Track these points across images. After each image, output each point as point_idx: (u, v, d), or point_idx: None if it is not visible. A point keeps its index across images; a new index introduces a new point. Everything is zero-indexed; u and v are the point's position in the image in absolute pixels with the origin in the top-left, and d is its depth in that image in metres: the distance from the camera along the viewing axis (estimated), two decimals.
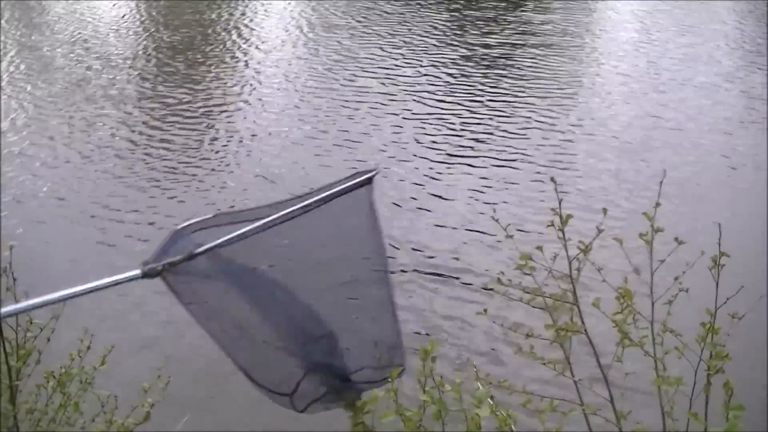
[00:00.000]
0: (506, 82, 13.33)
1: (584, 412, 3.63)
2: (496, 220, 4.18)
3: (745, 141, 10.68)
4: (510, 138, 11.08)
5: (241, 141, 11.60)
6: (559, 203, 3.35)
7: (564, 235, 3.40)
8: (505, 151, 10.64)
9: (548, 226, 3.48)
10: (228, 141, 11.60)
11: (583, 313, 3.59)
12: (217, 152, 11.22)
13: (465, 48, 15.61)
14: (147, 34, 17.84)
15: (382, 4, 19.42)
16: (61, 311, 3.70)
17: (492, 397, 3.34)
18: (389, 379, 2.97)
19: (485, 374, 3.62)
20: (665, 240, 3.60)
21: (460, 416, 3.27)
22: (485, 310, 3.80)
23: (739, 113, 11.83)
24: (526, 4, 19.23)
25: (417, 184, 9.82)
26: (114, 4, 20.64)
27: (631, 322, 3.65)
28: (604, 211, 3.56)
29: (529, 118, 11.79)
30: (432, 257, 8.27)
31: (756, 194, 9.29)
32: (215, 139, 11.69)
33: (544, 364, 3.63)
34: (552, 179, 3.41)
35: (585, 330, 3.57)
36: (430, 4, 19.66)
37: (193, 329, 2.60)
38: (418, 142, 11.09)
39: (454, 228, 8.82)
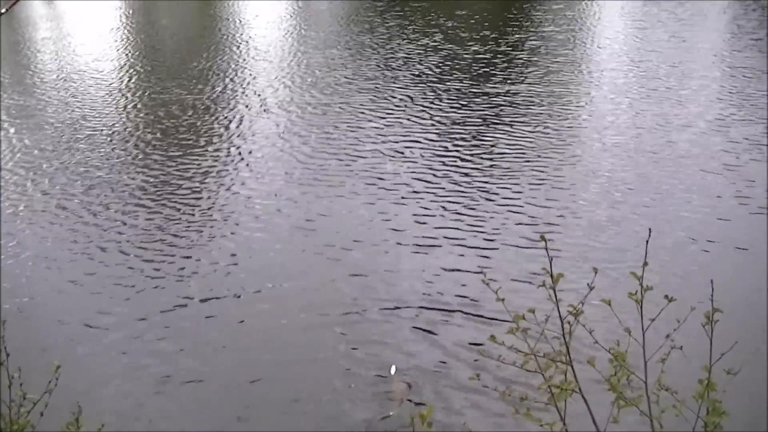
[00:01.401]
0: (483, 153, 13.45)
1: None
2: (487, 284, 4.19)
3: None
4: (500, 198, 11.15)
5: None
6: (550, 262, 3.37)
7: (555, 294, 3.40)
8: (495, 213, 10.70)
9: (539, 286, 3.49)
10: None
11: (578, 371, 3.58)
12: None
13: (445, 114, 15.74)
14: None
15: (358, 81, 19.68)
16: (54, 386, 3.65)
17: None
18: None
19: None
20: (657, 300, 3.61)
21: None
22: (477, 375, 3.77)
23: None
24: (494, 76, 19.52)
25: (402, 243, 9.83)
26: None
27: (626, 383, 3.65)
28: (595, 270, 3.57)
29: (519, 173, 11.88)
30: (422, 314, 8.26)
31: (748, 251, 9.35)
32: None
33: (541, 425, 3.61)
34: (542, 237, 3.42)
35: (579, 389, 3.56)
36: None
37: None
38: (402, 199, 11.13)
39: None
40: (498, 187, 11.47)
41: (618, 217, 10.29)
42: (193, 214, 11.18)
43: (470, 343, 7.51)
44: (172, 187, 12.20)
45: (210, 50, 22.45)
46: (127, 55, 23.24)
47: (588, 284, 3.42)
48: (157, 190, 12.11)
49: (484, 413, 6.43)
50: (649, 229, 3.81)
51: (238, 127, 15.16)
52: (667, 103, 15.31)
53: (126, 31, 26.95)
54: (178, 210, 11.35)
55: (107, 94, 18.39)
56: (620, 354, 3.62)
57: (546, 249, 3.34)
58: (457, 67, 18.37)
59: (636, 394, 3.63)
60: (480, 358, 6.93)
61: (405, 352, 7.68)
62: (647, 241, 3.75)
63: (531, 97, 16.01)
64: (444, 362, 7.36)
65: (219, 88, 18.07)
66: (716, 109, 14.80)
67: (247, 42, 23.55)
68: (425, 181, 11.85)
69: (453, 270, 9.25)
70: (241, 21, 27.68)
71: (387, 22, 24.05)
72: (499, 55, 19.54)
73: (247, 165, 13.09)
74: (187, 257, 9.93)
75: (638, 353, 3.63)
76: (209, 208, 11.39)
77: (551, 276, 3.42)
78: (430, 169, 12.37)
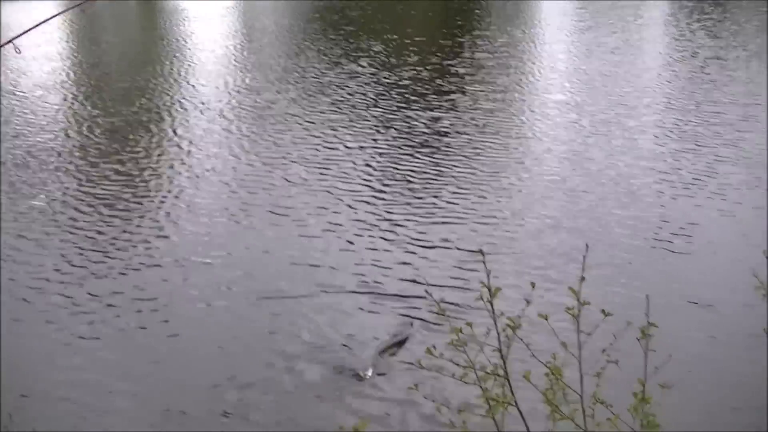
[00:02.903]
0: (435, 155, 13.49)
1: None
2: (430, 295, 4.21)
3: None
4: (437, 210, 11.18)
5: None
6: (488, 276, 3.38)
7: (493, 308, 3.42)
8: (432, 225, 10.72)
9: (477, 299, 3.51)
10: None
11: (516, 386, 3.60)
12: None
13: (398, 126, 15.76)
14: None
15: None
16: None
17: None
18: None
19: None
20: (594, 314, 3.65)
21: None
22: (416, 386, 3.77)
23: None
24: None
25: (358, 265, 9.75)
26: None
27: (562, 397, 3.68)
28: (532, 285, 3.59)
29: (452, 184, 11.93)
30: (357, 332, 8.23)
31: (686, 260, 9.53)
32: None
33: None
34: (480, 251, 3.44)
35: (515, 402, 3.57)
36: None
37: None
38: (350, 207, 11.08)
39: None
40: (428, 206, 11.48)
41: (555, 232, 10.39)
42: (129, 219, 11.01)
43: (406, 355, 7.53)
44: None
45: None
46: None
47: (525, 299, 3.44)
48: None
49: (421, 425, 6.45)
50: (586, 245, 3.85)
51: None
52: (610, 114, 15.56)
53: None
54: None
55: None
56: (556, 369, 3.65)
57: (484, 263, 3.35)
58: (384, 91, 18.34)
59: (573, 407, 3.66)
60: (417, 370, 6.96)
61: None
62: (584, 257, 3.78)
63: (463, 120, 16.12)
64: (382, 374, 7.34)
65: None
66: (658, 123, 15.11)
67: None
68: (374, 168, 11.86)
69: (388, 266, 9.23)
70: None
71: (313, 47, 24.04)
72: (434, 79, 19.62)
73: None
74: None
75: (576, 367, 3.67)
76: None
77: (489, 290, 3.43)
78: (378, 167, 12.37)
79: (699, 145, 13.82)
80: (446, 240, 10.10)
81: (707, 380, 7.03)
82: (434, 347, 3.61)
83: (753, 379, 6.96)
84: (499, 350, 3.47)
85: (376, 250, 9.91)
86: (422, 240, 10.15)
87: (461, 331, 3.43)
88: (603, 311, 3.64)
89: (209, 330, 8.28)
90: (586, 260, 3.78)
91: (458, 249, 9.81)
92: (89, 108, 17.06)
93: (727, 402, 6.83)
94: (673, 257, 9.67)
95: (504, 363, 3.52)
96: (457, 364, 3.51)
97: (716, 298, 8.57)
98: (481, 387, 3.62)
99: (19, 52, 3.38)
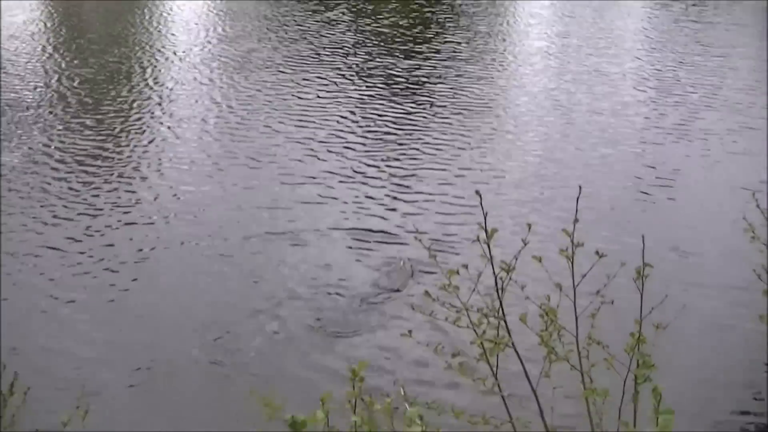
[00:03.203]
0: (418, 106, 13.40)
1: (513, 428, 3.62)
2: (419, 240, 4.18)
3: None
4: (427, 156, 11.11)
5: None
6: (485, 217, 3.34)
7: (490, 248, 3.39)
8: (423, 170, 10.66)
9: (474, 241, 3.48)
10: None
11: (510, 328, 3.60)
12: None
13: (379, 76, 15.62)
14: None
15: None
16: None
17: (421, 417, 3.30)
18: None
19: (413, 397, 3.56)
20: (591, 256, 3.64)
21: None
22: (410, 332, 3.75)
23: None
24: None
25: (342, 212, 9.69)
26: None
27: (557, 338, 3.68)
28: (529, 226, 3.56)
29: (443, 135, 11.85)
30: (352, 280, 8.20)
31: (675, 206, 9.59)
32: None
33: (474, 380, 3.61)
34: (477, 192, 3.39)
35: (513, 343, 3.57)
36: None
37: None
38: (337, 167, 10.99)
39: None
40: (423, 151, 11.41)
41: (550, 174, 10.37)
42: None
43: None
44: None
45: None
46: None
47: (522, 239, 3.41)
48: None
49: (417, 371, 6.48)
50: (579, 186, 3.81)
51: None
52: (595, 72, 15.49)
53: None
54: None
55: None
56: (551, 310, 3.64)
57: (481, 205, 3.31)
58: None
59: (568, 349, 3.66)
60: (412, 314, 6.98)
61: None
62: (578, 198, 3.76)
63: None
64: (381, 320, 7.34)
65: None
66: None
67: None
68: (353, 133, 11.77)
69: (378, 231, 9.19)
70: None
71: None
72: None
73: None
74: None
75: (571, 309, 3.67)
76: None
77: (486, 231, 3.40)
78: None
79: (680, 93, 13.85)
80: (427, 189, 10.06)
81: (696, 326, 7.08)
82: (427, 292, 3.59)
83: (741, 322, 7.04)
84: (497, 291, 3.45)
85: (358, 196, 9.87)
86: (404, 187, 10.12)
87: (458, 273, 3.40)
88: (597, 252, 3.62)
89: (192, 277, 8.24)
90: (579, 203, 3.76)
91: (442, 195, 9.79)
92: (66, 59, 16.76)
93: (717, 345, 6.90)
94: (657, 204, 9.69)
95: (501, 304, 3.51)
96: (454, 306, 3.49)
97: (701, 244, 8.63)
98: (475, 331, 3.61)
99: None
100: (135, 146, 11.73)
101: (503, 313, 3.53)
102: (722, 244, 8.47)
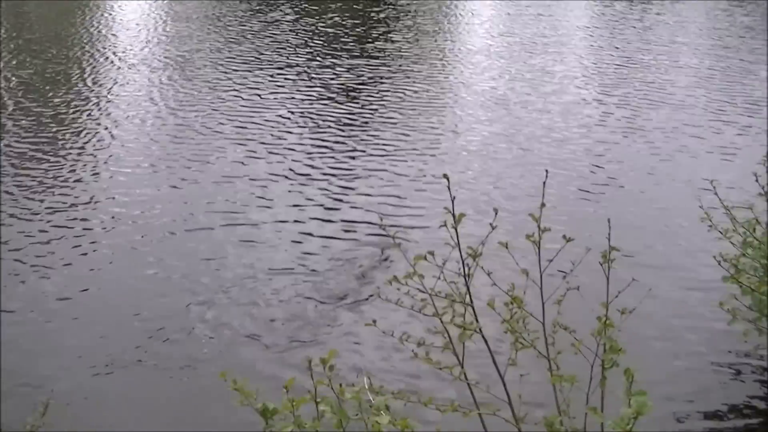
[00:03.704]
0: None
1: (480, 415, 3.57)
2: (383, 228, 4.11)
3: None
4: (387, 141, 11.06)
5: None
6: (452, 201, 3.28)
7: (457, 233, 3.33)
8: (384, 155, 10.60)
9: (441, 226, 3.41)
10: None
11: (478, 315, 3.54)
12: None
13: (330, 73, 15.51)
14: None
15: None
16: None
17: (388, 407, 3.23)
18: None
19: (379, 386, 3.47)
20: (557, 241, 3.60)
21: (359, 425, 3.15)
22: (374, 321, 3.67)
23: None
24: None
25: (284, 213, 9.57)
26: None
27: (523, 325, 3.64)
28: (495, 211, 3.50)
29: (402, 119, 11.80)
30: (317, 267, 8.08)
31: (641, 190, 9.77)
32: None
33: (441, 369, 3.55)
34: (445, 176, 3.33)
35: (480, 329, 3.51)
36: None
37: None
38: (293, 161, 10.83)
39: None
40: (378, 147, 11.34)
41: (494, 173, 10.38)
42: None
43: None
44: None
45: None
46: None
47: (490, 224, 3.35)
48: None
49: (385, 359, 6.38)
50: (546, 171, 3.78)
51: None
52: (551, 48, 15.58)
53: None
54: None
55: None
56: (516, 299, 3.60)
57: (449, 188, 3.25)
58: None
59: (534, 336, 3.62)
60: (374, 303, 6.89)
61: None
62: (544, 183, 3.73)
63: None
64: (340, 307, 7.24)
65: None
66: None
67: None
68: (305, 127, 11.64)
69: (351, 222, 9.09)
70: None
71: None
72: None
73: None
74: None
75: (538, 298, 3.63)
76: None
77: (453, 216, 3.35)
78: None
79: (626, 90, 14.04)
80: (370, 190, 9.98)
81: (663, 310, 7.09)
82: (395, 278, 3.52)
83: (701, 308, 7.07)
84: (464, 277, 3.39)
85: (301, 197, 9.73)
86: (348, 189, 10.00)
87: (425, 258, 3.33)
88: (564, 237, 3.58)
89: (133, 280, 8.03)
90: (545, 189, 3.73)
91: (385, 197, 9.71)
92: (4, 59, 16.34)
93: (684, 326, 6.92)
94: (607, 200, 9.73)
95: (468, 290, 3.45)
96: (423, 291, 3.42)
97: (657, 237, 8.69)
98: (440, 319, 3.55)
99: None
100: (72, 148, 11.39)
101: (471, 299, 3.48)
102: (680, 237, 8.54)
